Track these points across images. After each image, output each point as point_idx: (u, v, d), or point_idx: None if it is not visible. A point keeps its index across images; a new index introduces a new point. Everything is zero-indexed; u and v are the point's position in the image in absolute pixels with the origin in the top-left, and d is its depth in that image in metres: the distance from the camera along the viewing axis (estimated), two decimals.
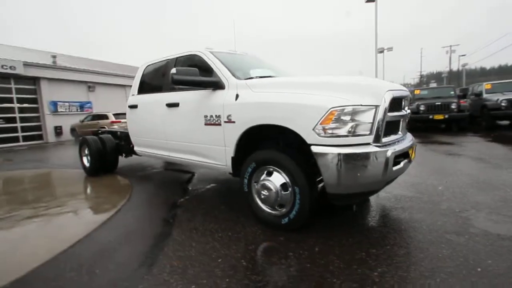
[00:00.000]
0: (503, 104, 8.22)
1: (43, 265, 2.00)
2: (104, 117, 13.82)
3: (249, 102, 2.41)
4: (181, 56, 3.33)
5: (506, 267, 1.68)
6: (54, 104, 15.23)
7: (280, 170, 2.28)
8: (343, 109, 1.95)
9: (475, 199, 2.84)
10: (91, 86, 17.17)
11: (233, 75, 2.72)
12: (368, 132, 2.00)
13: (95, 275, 1.83)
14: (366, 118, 1.99)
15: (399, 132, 2.44)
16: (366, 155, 1.94)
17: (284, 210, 2.30)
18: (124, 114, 16.43)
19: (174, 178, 4.67)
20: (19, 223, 2.87)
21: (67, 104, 15.96)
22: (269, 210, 2.40)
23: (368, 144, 2.00)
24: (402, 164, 2.23)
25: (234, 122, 2.51)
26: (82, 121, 14.53)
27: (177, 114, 3.15)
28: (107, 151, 4.91)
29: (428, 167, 4.25)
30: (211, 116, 2.73)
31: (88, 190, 4.20)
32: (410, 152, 2.39)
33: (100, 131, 5.84)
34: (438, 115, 8.67)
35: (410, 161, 2.42)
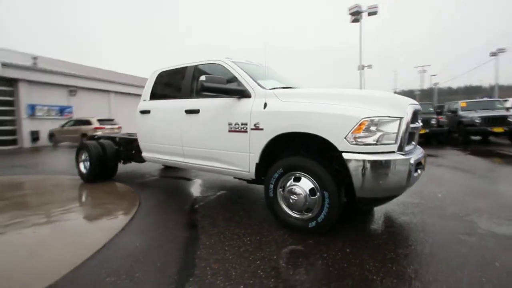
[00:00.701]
0: (477, 121, 9.02)
1: (74, 271, 1.94)
2: (87, 122, 13.30)
3: (280, 110, 2.53)
4: (201, 64, 3.40)
5: None
6: (32, 107, 14.45)
7: (308, 176, 2.39)
8: (373, 120, 2.13)
9: (473, 205, 3.12)
10: (72, 90, 16.52)
11: (258, 84, 2.85)
12: (393, 142, 2.19)
13: (138, 279, 1.81)
14: (392, 128, 2.18)
15: (413, 143, 2.67)
16: (393, 162, 2.12)
17: (310, 214, 2.41)
18: (109, 120, 15.84)
19: (177, 185, 4.63)
20: (33, 229, 2.74)
21: (46, 108, 15.20)
22: (295, 215, 2.49)
23: (393, 152, 2.19)
24: (419, 171, 2.44)
25: (262, 129, 2.61)
26: (63, 126, 13.89)
27: (197, 121, 3.19)
28: (107, 156, 4.80)
29: (422, 177, 4.55)
30: (236, 123, 2.81)
31: (93, 197, 4.04)
32: (422, 161, 2.61)
33: (96, 136, 5.68)
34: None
35: (423, 169, 2.64)
